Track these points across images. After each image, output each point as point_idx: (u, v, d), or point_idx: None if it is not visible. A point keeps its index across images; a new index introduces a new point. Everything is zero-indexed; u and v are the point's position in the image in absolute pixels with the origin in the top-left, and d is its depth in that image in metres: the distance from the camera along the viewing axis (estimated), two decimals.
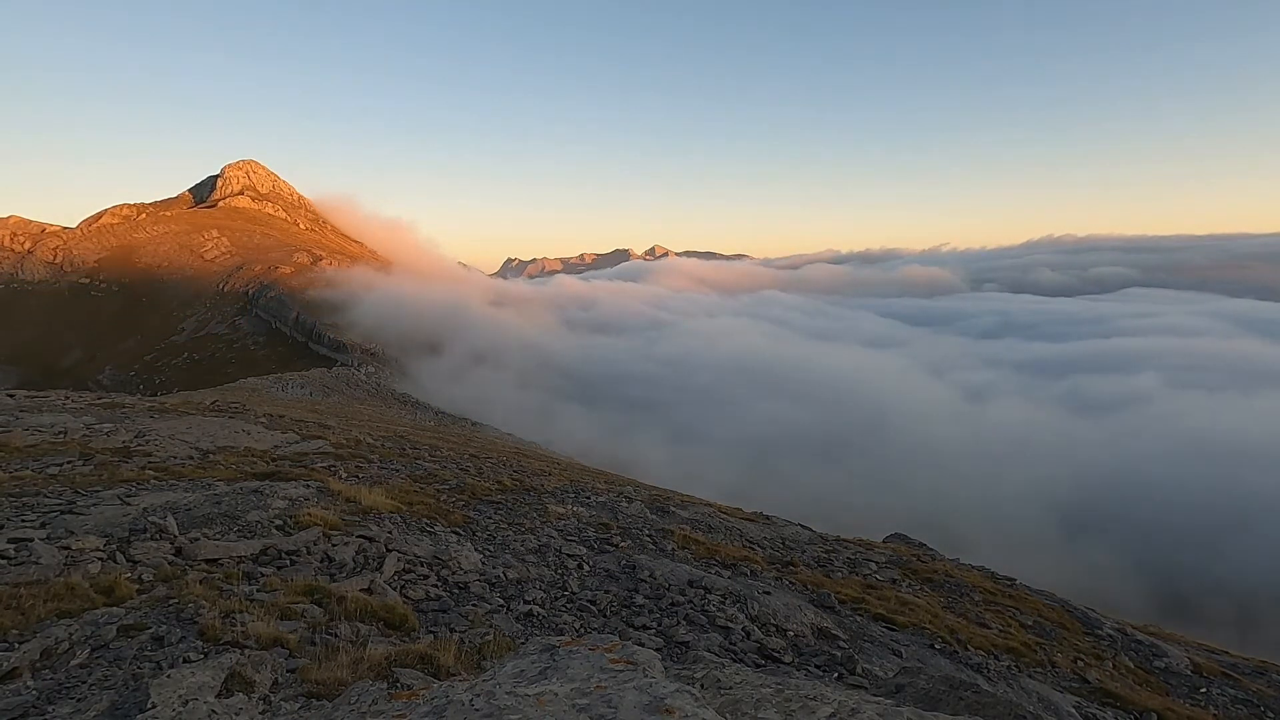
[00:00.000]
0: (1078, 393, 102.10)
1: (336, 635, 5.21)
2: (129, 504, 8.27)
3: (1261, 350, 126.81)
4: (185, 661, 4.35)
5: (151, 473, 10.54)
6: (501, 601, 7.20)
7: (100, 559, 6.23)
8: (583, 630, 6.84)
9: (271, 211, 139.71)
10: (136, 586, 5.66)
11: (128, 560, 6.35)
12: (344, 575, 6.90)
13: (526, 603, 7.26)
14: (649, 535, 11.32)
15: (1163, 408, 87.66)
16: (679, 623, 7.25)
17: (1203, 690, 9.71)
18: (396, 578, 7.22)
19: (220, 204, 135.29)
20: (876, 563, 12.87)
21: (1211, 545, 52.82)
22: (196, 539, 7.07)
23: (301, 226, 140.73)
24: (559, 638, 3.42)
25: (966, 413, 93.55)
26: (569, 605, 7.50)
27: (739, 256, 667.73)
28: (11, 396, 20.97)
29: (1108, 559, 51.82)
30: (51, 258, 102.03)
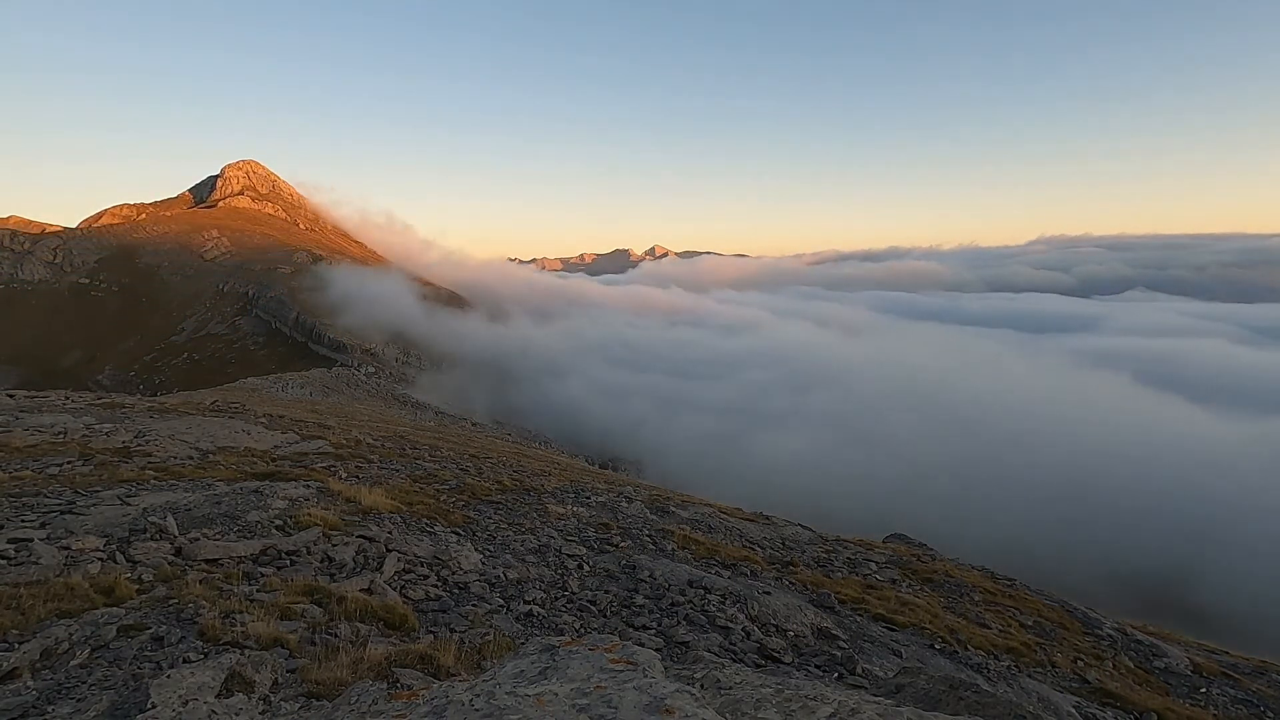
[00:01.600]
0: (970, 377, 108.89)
1: (336, 635, 5.21)
2: (129, 504, 8.27)
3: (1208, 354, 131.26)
4: (185, 661, 4.35)
5: (151, 473, 10.54)
6: (501, 601, 7.19)
7: (100, 559, 6.24)
8: (583, 630, 6.84)
9: (271, 211, 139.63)
10: (136, 586, 5.66)
11: (128, 560, 6.35)
12: (344, 575, 6.90)
13: (526, 603, 7.26)
14: (649, 535, 11.32)
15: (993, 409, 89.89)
16: (679, 623, 7.25)
17: (1203, 690, 9.70)
18: (396, 578, 7.22)
19: (220, 204, 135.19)
20: (876, 563, 12.87)
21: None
22: (196, 539, 7.07)
23: (301, 226, 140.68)
24: (559, 638, 3.42)
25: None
26: (569, 605, 7.50)
27: (739, 255, 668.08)
28: (11, 396, 20.98)
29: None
30: (51, 258, 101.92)
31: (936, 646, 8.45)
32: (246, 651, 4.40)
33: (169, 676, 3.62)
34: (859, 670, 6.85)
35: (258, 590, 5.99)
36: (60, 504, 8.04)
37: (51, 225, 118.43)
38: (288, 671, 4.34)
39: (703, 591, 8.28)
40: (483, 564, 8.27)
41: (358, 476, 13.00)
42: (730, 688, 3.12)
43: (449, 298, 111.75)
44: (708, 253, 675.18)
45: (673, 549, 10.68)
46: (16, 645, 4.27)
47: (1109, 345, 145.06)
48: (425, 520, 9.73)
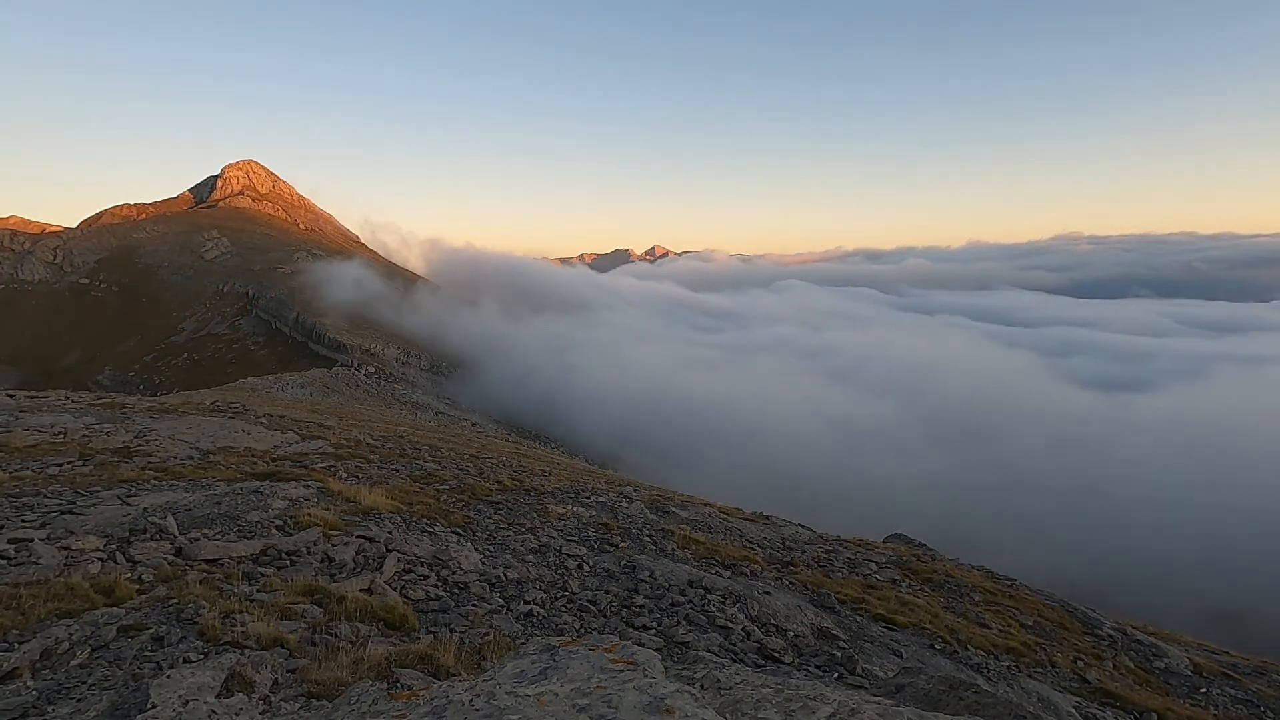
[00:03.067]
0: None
1: (336, 635, 5.21)
2: (129, 504, 8.27)
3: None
4: (185, 662, 4.35)
5: (151, 473, 10.54)
6: (501, 602, 7.20)
7: (100, 559, 6.24)
8: (583, 630, 6.84)
9: (271, 211, 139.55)
10: (136, 587, 5.66)
11: (128, 560, 6.35)
12: (344, 575, 6.90)
13: (526, 603, 7.26)
14: (649, 535, 11.32)
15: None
16: (679, 623, 7.25)
17: (1203, 690, 9.70)
18: (396, 578, 7.22)
19: (220, 204, 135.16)
20: (876, 563, 12.87)
21: None
22: (196, 539, 7.07)
23: (301, 226, 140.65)
24: (559, 638, 3.42)
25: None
26: (569, 605, 7.50)
27: (738, 255, 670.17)
28: (11, 396, 20.97)
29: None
30: (51, 258, 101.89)
31: (936, 646, 8.45)
32: (246, 651, 4.40)
33: (169, 676, 3.62)
34: (859, 670, 6.86)
35: (258, 590, 5.99)
36: (60, 504, 8.04)
37: (51, 225, 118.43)
38: (288, 671, 4.34)
39: (703, 591, 8.28)
40: (483, 564, 8.27)
41: (358, 476, 13.00)
42: (730, 688, 3.12)
43: (453, 293, 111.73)
44: (707, 251, 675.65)
45: (673, 549, 10.67)
46: (16, 645, 4.27)
47: (1022, 336, 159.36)
48: (425, 520, 9.73)
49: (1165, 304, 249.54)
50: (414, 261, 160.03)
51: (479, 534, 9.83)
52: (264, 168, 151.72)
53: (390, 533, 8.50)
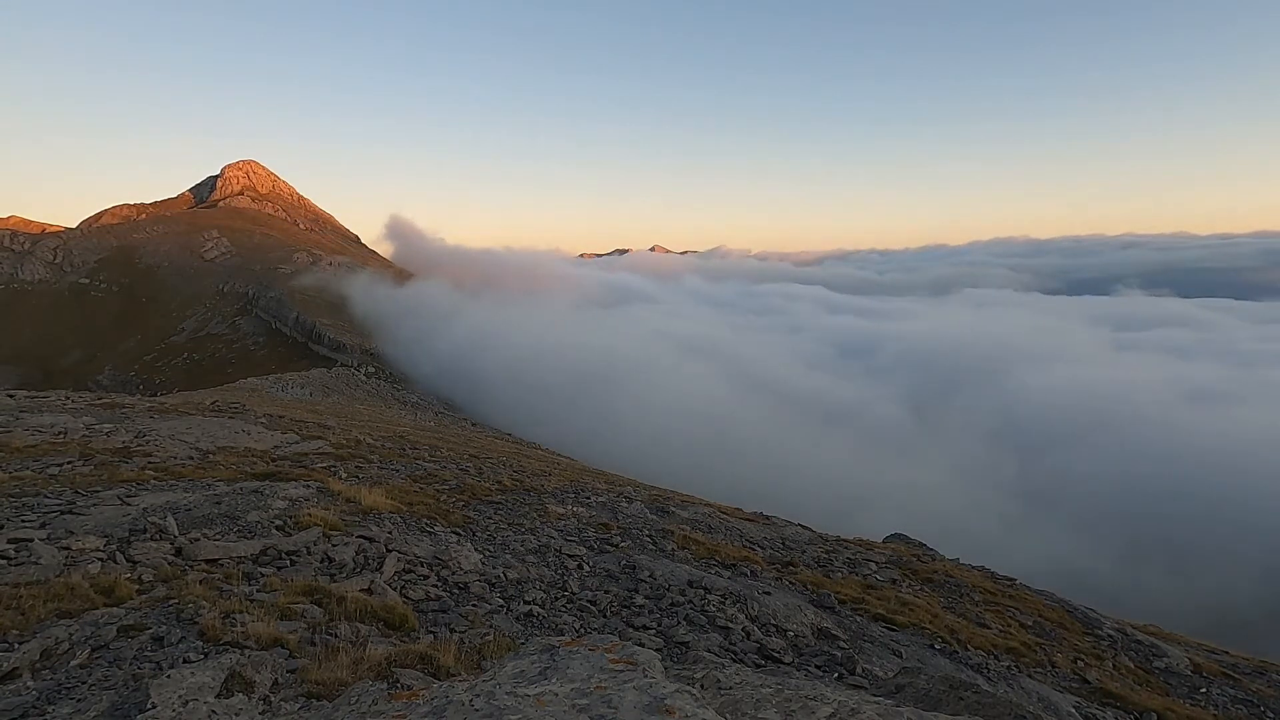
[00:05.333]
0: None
1: (336, 635, 5.21)
2: (129, 504, 8.27)
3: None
4: (185, 662, 4.35)
5: (151, 473, 10.54)
6: (501, 602, 7.20)
7: (100, 559, 6.24)
8: (583, 630, 6.84)
9: (271, 211, 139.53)
10: (136, 587, 5.66)
11: (128, 560, 6.35)
12: (344, 575, 6.90)
13: (526, 603, 7.27)
14: (649, 535, 11.32)
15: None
16: (679, 623, 7.25)
17: (1203, 690, 9.70)
18: (396, 578, 7.22)
19: (220, 204, 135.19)
20: (876, 563, 12.87)
21: None
22: (196, 539, 7.07)
23: (301, 226, 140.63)
24: (559, 638, 3.42)
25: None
26: (569, 605, 7.50)
27: (755, 255, 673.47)
28: (11, 396, 20.98)
29: None
30: (51, 258, 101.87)
31: (936, 646, 8.45)
32: (246, 652, 4.40)
33: (169, 676, 3.62)
34: (859, 670, 6.86)
35: (258, 590, 5.99)
36: (60, 504, 8.04)
37: (51, 225, 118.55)
38: (288, 672, 4.34)
39: (703, 591, 8.28)
40: (483, 564, 8.27)
41: (358, 477, 13.00)
42: (730, 688, 3.12)
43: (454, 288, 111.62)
44: (704, 250, 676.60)
45: (673, 549, 10.68)
46: (16, 645, 4.27)
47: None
48: (425, 520, 9.73)
49: (1081, 301, 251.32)
50: (409, 257, 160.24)
51: (479, 534, 9.83)
52: (264, 168, 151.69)
53: (390, 533, 8.50)
